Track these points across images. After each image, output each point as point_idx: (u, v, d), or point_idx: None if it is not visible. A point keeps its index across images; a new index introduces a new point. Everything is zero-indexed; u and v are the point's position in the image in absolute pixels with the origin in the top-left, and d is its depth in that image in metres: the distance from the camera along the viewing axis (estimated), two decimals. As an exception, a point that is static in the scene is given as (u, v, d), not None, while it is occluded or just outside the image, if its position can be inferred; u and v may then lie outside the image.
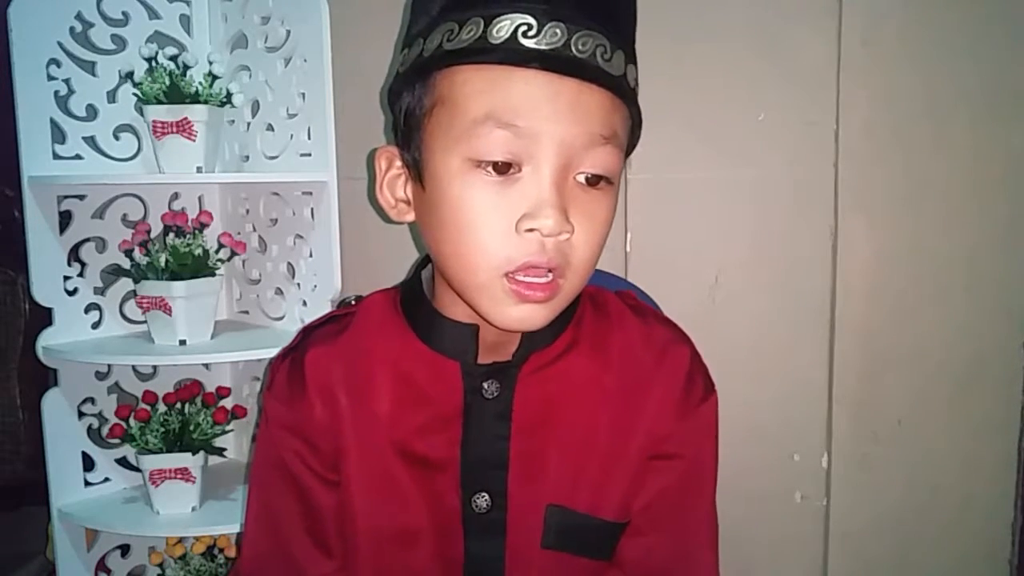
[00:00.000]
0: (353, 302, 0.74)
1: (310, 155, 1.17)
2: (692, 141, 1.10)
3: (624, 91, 0.60)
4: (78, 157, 1.21)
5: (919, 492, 1.11)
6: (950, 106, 1.06)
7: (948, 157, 1.06)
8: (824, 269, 1.09)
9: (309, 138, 1.17)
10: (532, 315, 0.60)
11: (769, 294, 1.11)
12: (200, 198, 1.36)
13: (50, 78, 1.17)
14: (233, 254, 1.26)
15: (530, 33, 0.56)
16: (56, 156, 1.18)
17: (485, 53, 0.56)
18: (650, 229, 1.13)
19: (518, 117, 0.56)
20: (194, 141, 1.19)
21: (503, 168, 0.57)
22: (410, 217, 0.66)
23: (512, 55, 0.56)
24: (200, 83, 1.20)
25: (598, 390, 0.69)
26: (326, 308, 1.17)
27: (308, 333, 0.73)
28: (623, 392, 0.69)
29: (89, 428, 1.26)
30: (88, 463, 1.26)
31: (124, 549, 1.32)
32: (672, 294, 1.03)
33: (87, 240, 1.25)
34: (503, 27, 0.56)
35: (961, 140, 1.06)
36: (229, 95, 1.23)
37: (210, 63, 1.22)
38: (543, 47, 0.56)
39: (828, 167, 1.08)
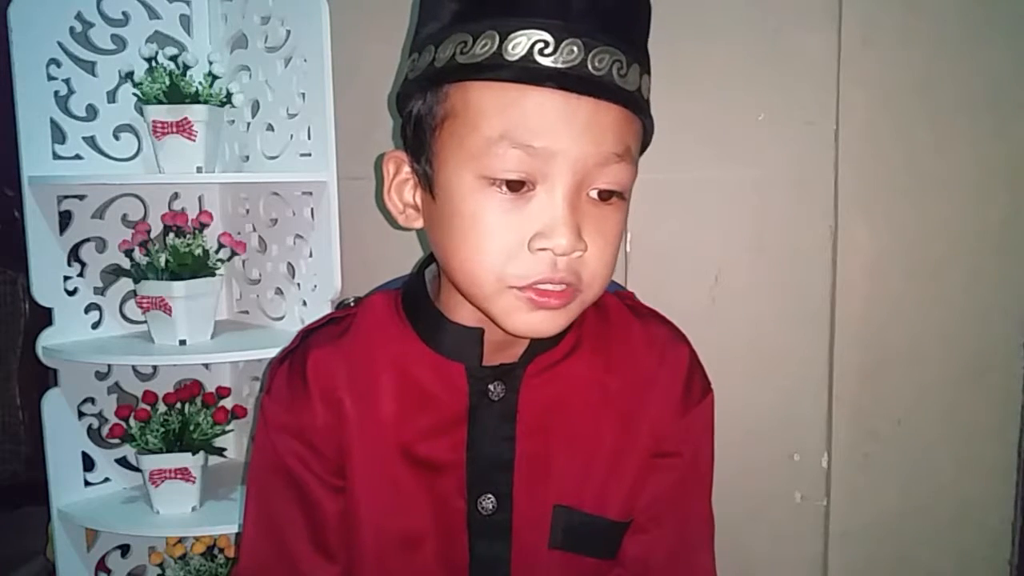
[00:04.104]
0: (352, 303, 0.74)
1: (310, 155, 1.17)
2: (692, 141, 1.10)
3: (639, 105, 0.59)
4: (78, 157, 1.20)
5: (919, 492, 1.11)
6: (950, 106, 1.05)
7: (948, 157, 1.06)
8: (824, 269, 1.09)
9: (309, 138, 1.16)
10: (546, 322, 0.59)
11: (769, 294, 1.11)
12: (200, 198, 1.36)
13: (50, 78, 1.17)
14: (233, 254, 1.26)
15: (546, 51, 0.54)
16: (56, 156, 1.18)
17: (500, 70, 0.55)
18: (650, 229, 1.12)
19: (534, 137, 0.55)
20: (194, 141, 1.19)
21: (516, 186, 0.56)
22: (418, 224, 0.65)
23: (528, 74, 0.55)
24: (200, 83, 1.20)
25: (602, 391, 0.69)
26: (326, 308, 1.17)
27: (307, 335, 0.72)
28: (626, 392, 0.69)
29: (89, 428, 1.26)
30: (88, 463, 1.26)
31: (124, 549, 1.32)
32: (672, 294, 1.03)
33: (87, 240, 1.25)
34: (519, 43, 0.55)
35: (961, 140, 1.06)
36: (229, 95, 1.23)
37: (210, 63, 1.22)
38: (559, 65, 0.54)
39: (828, 167, 1.08)
